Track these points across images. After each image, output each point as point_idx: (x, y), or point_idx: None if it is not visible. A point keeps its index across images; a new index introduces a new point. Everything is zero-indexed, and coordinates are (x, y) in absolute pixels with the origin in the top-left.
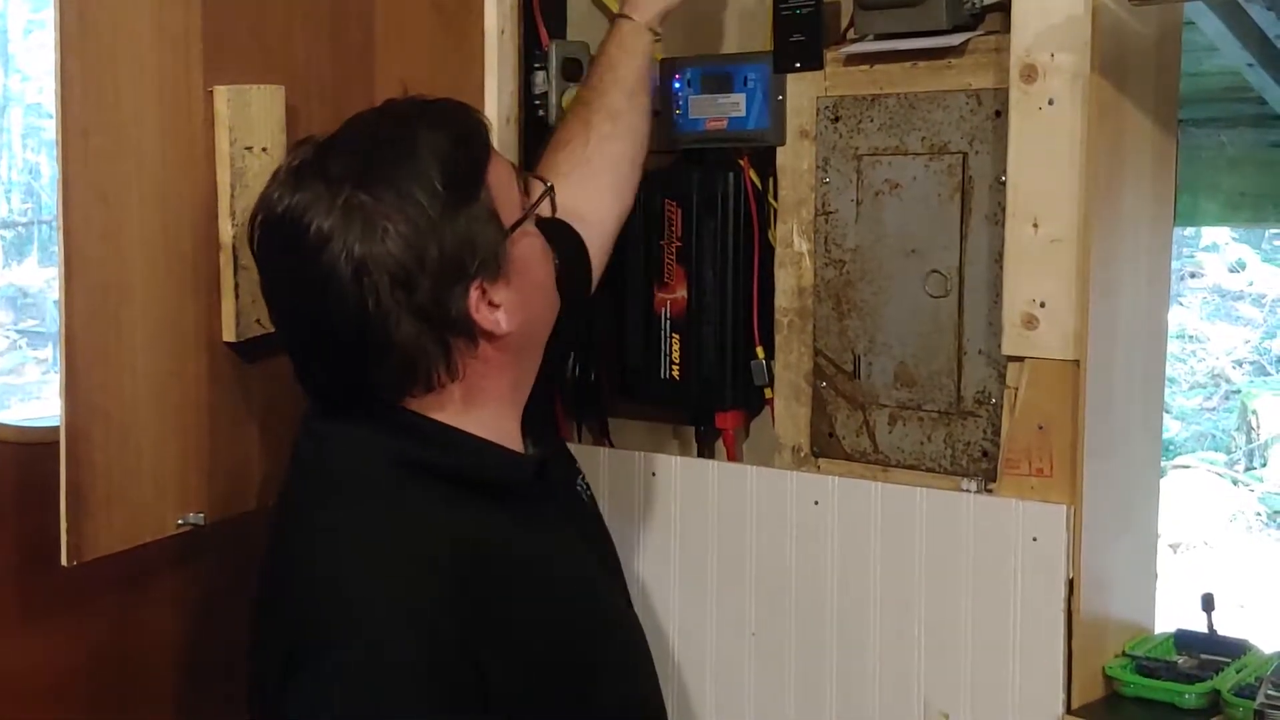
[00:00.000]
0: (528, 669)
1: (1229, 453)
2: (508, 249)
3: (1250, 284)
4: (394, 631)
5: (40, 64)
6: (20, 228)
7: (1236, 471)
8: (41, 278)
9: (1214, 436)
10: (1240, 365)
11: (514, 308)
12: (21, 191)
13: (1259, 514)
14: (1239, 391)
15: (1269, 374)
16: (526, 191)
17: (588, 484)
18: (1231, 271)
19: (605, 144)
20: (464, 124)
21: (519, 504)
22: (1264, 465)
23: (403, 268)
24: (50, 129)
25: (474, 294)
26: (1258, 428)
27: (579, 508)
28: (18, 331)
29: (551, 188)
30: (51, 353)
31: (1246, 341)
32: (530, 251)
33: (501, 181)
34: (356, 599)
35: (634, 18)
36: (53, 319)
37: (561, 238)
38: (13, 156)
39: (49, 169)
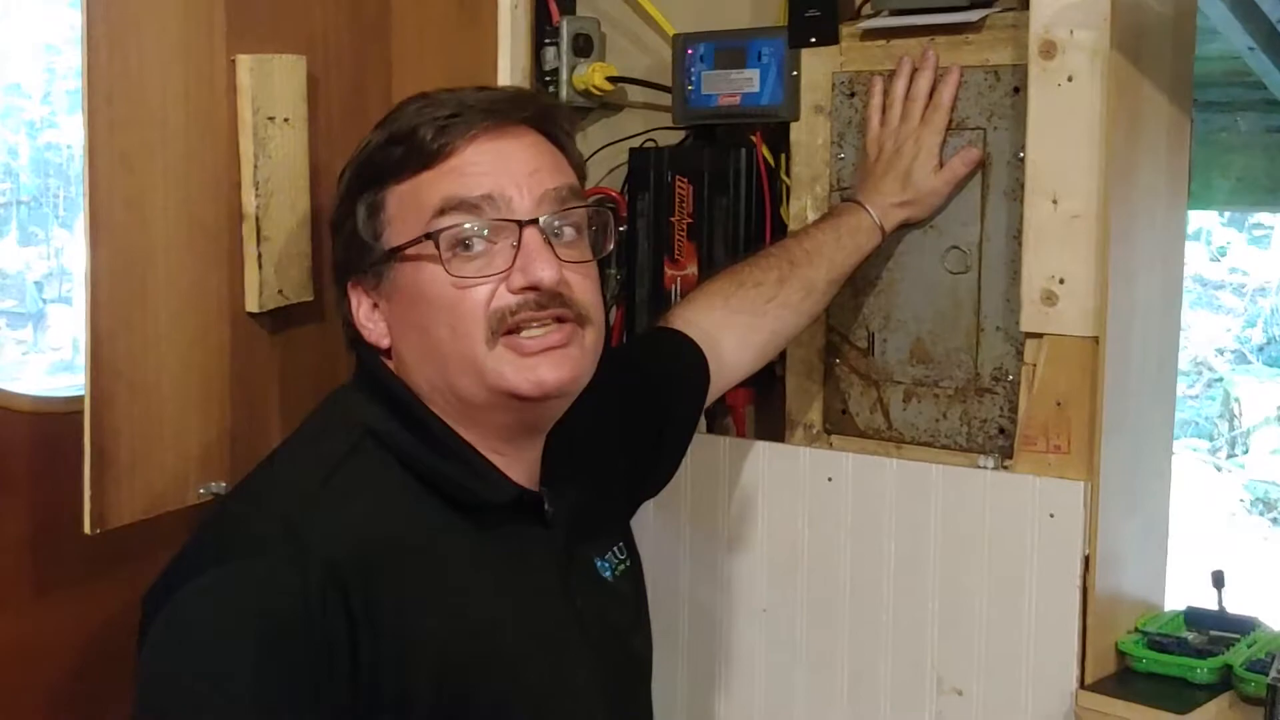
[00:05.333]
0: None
1: (1211, 440)
2: (391, 269)
3: (1232, 271)
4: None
5: (17, 40)
6: None
7: (1219, 458)
8: (21, 259)
9: (1197, 424)
10: (1222, 353)
11: (386, 331)
12: (0, 171)
13: (1241, 500)
14: (1221, 380)
15: (1250, 362)
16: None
17: (621, 566)
18: (1212, 260)
19: (783, 310)
20: (409, 130)
21: (482, 517)
22: (1246, 452)
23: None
24: (30, 109)
25: (353, 294)
26: (1240, 415)
27: (577, 578)
28: None
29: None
30: (31, 334)
31: (1228, 330)
32: (417, 281)
33: (417, 202)
34: (219, 544)
35: (873, 217)
36: (32, 300)
37: (689, 365)
38: None
39: (28, 149)
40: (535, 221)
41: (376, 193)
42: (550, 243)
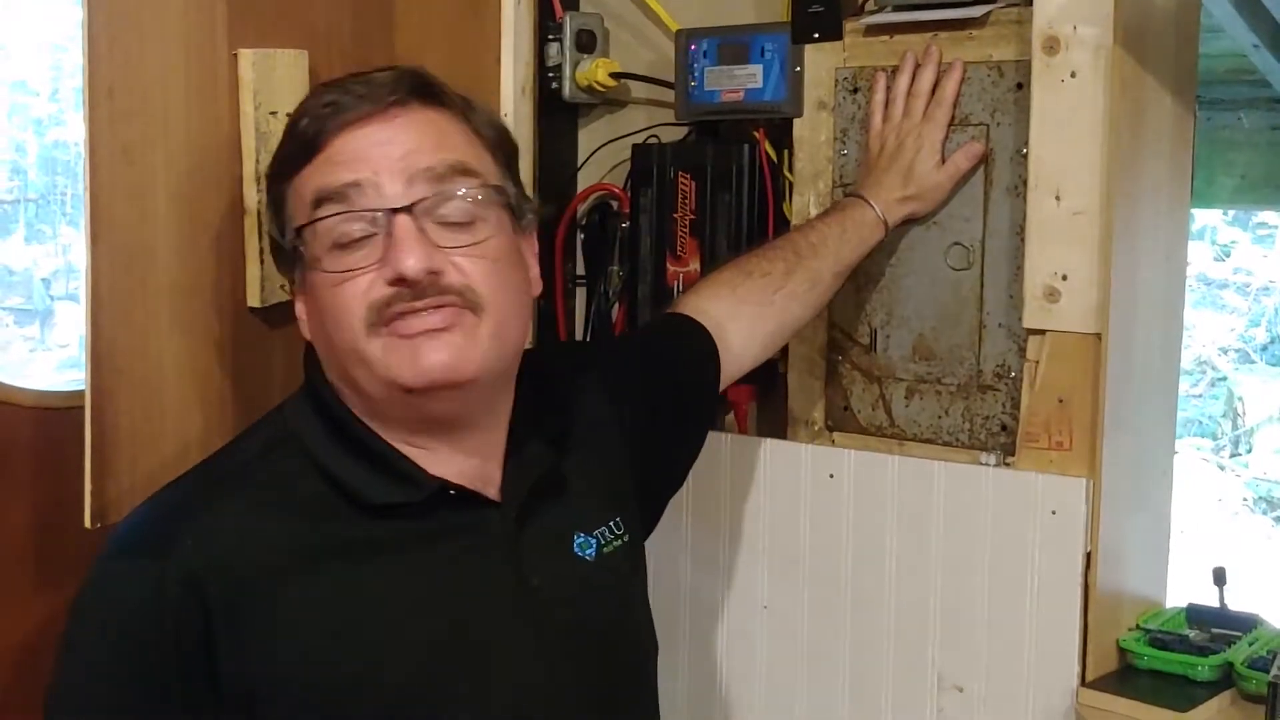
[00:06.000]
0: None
1: (1215, 439)
2: (298, 264)
3: (1236, 270)
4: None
5: (23, 38)
6: (6, 206)
7: (1223, 457)
8: (29, 256)
9: (1200, 423)
10: (1226, 352)
11: (305, 322)
12: (8, 169)
13: (1245, 499)
14: (1225, 379)
15: (1254, 361)
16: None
17: (614, 544)
18: (1217, 260)
19: (790, 302)
20: (293, 123)
21: (401, 515)
22: (1249, 451)
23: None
24: (36, 106)
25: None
26: (1243, 414)
27: (535, 556)
28: (4, 309)
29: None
30: (39, 330)
31: (1231, 329)
32: (310, 276)
33: (300, 197)
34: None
35: (877, 211)
36: (40, 297)
37: (701, 350)
38: None
39: (36, 146)
40: (408, 208)
41: (276, 189)
42: (424, 229)
